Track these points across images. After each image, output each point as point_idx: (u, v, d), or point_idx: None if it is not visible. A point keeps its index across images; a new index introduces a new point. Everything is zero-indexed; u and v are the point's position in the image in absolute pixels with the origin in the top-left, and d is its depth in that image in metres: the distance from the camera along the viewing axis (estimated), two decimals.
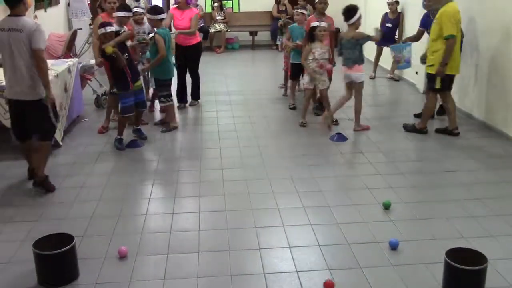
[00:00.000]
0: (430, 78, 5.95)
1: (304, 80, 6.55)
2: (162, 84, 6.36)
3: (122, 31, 5.87)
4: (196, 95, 7.68)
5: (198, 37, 7.38)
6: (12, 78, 4.53)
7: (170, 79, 6.46)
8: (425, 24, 6.75)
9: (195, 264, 3.50)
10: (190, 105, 7.57)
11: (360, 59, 6.12)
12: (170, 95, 6.47)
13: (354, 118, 6.37)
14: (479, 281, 3.07)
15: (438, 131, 6.13)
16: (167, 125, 6.45)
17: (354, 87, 6.23)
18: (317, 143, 5.96)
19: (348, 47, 6.09)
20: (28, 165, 4.99)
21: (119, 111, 5.98)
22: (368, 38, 6.15)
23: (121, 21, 6.14)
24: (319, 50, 6.24)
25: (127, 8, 6.35)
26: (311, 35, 6.31)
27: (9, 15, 4.53)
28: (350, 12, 6.01)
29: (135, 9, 6.70)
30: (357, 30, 6.15)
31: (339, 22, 6.88)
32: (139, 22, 6.73)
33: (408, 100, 7.92)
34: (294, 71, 7.28)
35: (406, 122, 6.35)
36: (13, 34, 4.40)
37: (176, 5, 7.26)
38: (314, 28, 6.24)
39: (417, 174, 5.03)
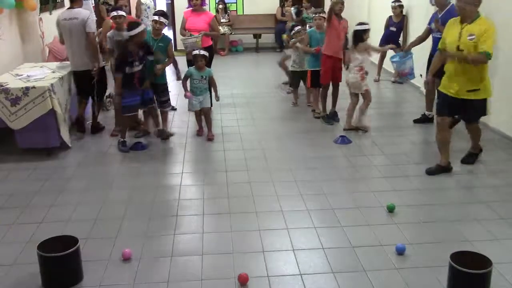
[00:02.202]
0: (477, 106, 4.87)
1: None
2: (164, 89, 6.25)
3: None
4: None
5: (210, 40, 7.08)
6: (72, 54, 6.14)
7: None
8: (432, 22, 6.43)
9: (199, 267, 3.50)
10: None
11: None
12: (170, 100, 6.45)
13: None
14: (483, 284, 3.06)
15: (464, 161, 5.32)
16: (162, 132, 6.20)
17: None
18: (321, 145, 5.95)
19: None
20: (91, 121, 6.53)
21: (120, 109, 5.88)
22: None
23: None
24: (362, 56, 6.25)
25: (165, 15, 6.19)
26: (358, 39, 6.20)
27: (68, 8, 6.16)
28: None
29: (153, 17, 6.28)
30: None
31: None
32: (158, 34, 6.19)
33: (412, 103, 7.90)
34: (315, 79, 6.89)
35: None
36: (72, 21, 5.99)
37: (192, 8, 7.03)
38: (366, 31, 6.17)
39: (421, 177, 5.01)
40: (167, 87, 6.38)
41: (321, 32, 6.76)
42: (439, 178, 5.00)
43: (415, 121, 6.83)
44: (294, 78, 7.59)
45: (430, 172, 5.06)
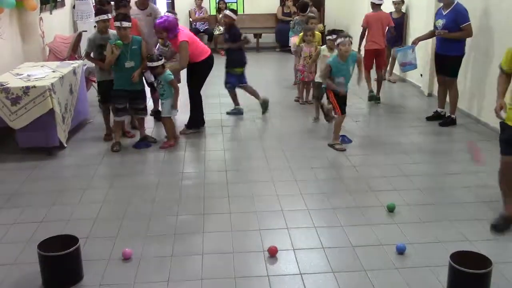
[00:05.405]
0: None
1: None
2: (141, 96, 5.99)
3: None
4: (188, 122, 6.47)
5: (206, 53, 6.38)
6: None
7: None
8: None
9: (199, 266, 3.50)
10: (181, 132, 6.34)
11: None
12: (146, 107, 6.28)
13: None
14: (484, 284, 3.06)
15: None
16: (145, 137, 6.07)
17: None
18: (322, 145, 5.94)
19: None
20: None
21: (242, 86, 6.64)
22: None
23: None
24: None
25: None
26: None
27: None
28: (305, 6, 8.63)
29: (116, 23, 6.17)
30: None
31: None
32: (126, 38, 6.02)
33: (413, 102, 7.90)
34: (342, 102, 5.77)
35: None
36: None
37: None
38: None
39: (421, 177, 5.01)
40: (144, 93, 6.10)
41: (344, 64, 5.56)
42: (440, 178, 5.01)
43: (428, 118, 6.78)
44: (319, 90, 6.68)
45: (498, 229, 3.86)
